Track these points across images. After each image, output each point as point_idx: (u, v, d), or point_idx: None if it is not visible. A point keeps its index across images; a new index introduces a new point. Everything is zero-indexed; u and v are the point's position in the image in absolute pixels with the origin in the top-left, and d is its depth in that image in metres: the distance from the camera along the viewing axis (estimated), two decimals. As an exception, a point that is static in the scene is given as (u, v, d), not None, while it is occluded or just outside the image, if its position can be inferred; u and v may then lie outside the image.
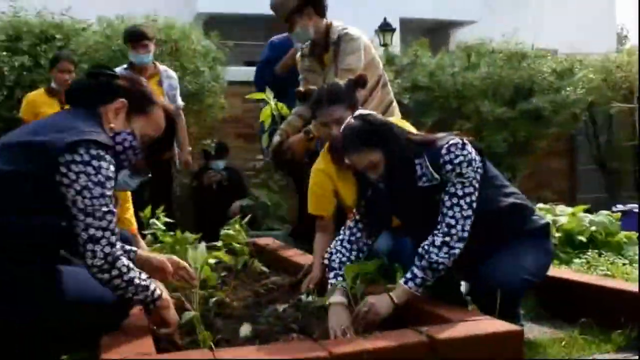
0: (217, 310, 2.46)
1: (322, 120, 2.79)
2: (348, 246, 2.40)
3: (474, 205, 2.21)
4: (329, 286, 2.28)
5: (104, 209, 1.83)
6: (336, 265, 2.34)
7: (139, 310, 2.16)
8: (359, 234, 2.42)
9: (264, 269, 3.27)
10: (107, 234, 1.84)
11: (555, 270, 2.97)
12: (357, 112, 2.33)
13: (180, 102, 4.85)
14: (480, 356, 1.83)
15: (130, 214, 3.38)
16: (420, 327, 1.88)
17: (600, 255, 3.51)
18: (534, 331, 2.59)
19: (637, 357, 2.24)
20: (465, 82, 7.12)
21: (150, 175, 3.13)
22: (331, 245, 2.44)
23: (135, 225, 3.34)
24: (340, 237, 2.43)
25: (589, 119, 8.27)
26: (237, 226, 3.50)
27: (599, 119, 8.40)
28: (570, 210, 4.09)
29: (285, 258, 3.51)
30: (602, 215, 3.96)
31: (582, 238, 3.73)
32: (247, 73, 7.41)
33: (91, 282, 1.87)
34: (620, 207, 5.30)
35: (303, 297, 2.58)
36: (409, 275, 2.18)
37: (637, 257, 3.42)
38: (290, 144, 3.34)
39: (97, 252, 1.82)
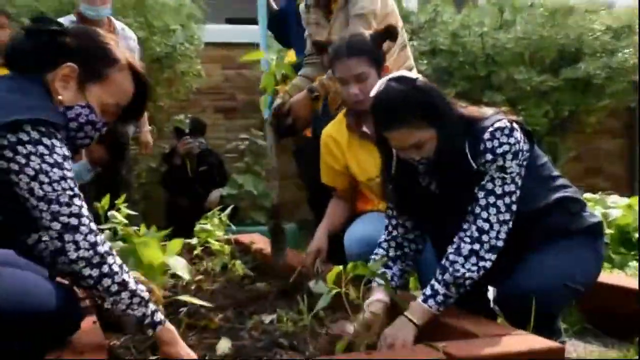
0: (190, 322, 2.46)
1: (340, 76, 2.80)
2: (385, 245, 2.44)
3: (514, 207, 2.19)
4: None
5: (69, 192, 1.82)
6: None
7: (92, 323, 2.16)
8: (396, 231, 2.44)
9: (248, 272, 3.27)
10: (84, 220, 1.83)
11: (605, 276, 2.97)
12: (398, 74, 2.28)
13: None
14: (510, 379, 1.83)
15: None
16: (437, 343, 1.88)
17: (661, 256, 3.52)
18: (578, 350, 2.61)
19: None
20: (497, 45, 7.08)
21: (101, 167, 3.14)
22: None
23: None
24: (381, 238, 2.47)
25: (652, 87, 8.24)
26: (215, 220, 3.51)
27: (664, 88, 8.36)
28: (625, 201, 4.08)
29: (274, 259, 3.51)
30: (665, 208, 3.97)
31: (640, 235, 3.74)
32: (229, 33, 7.42)
33: (28, 286, 1.85)
34: (688, 197, 5.30)
35: (312, 283, 2.61)
36: (428, 291, 2.16)
37: None
38: (292, 105, 3.29)
39: (79, 241, 1.82)
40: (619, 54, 7.28)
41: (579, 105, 7.40)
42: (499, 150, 2.16)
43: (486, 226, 2.16)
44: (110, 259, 1.85)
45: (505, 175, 2.18)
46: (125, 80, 2.05)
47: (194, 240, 3.56)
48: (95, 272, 1.83)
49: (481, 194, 2.19)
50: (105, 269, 1.84)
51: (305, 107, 3.29)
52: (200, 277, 3.26)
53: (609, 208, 4.00)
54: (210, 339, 2.29)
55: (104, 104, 2.02)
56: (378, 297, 2.23)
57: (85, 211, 1.85)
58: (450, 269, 2.14)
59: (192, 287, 3.10)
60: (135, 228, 3.12)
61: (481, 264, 2.15)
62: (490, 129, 2.19)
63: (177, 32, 6.07)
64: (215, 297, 2.91)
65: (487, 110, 2.31)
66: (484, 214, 2.17)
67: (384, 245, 2.45)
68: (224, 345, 2.17)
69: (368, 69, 2.67)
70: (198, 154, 6.29)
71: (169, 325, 1.96)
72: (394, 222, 2.45)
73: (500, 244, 2.17)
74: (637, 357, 2.43)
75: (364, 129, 2.92)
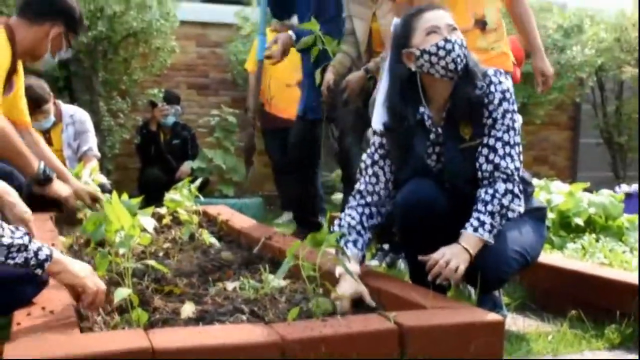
0: (156, 287, 2.45)
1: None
2: (360, 210, 2.45)
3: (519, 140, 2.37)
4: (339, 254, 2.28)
5: None
6: (346, 231, 2.39)
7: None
8: (371, 198, 2.46)
9: (214, 241, 3.26)
10: None
11: (546, 256, 3.03)
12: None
13: None
14: (454, 348, 1.86)
15: (23, 103, 3.21)
16: (389, 313, 1.90)
17: (597, 240, 3.58)
18: (517, 323, 2.65)
19: (630, 358, 2.30)
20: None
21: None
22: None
23: (28, 119, 3.25)
24: (350, 203, 2.48)
25: (596, 84, 8.32)
26: (185, 191, 3.49)
27: (608, 85, 8.44)
28: (567, 188, 4.14)
29: (239, 230, 3.51)
30: (604, 196, 4.03)
31: (579, 220, 3.80)
32: (204, 12, 7.32)
33: None
34: (624, 187, 5.41)
35: None
36: (474, 222, 2.22)
37: (637, 245, 3.49)
38: (348, 81, 3.48)
39: None
40: (568, 52, 7.36)
41: (529, 97, 7.48)
42: (500, 88, 2.30)
43: (509, 162, 2.32)
44: None
45: (508, 120, 2.34)
46: None
47: (163, 210, 3.53)
48: None
49: (493, 136, 2.34)
50: None
51: (359, 85, 3.45)
52: (168, 245, 3.24)
53: (552, 194, 4.06)
54: (175, 303, 2.29)
55: None
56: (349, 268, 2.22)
57: None
58: (494, 202, 2.24)
59: (160, 254, 3.09)
60: (108, 196, 3.09)
61: (515, 196, 2.28)
62: (492, 68, 2.37)
63: (154, 8, 5.98)
64: (182, 264, 2.90)
65: None
66: (501, 152, 2.33)
67: (359, 210, 2.45)
68: (188, 309, 2.17)
69: None
70: (172, 127, 6.24)
71: (56, 256, 1.88)
72: (368, 189, 2.47)
73: (518, 164, 2.34)
74: (570, 331, 2.48)
75: None
